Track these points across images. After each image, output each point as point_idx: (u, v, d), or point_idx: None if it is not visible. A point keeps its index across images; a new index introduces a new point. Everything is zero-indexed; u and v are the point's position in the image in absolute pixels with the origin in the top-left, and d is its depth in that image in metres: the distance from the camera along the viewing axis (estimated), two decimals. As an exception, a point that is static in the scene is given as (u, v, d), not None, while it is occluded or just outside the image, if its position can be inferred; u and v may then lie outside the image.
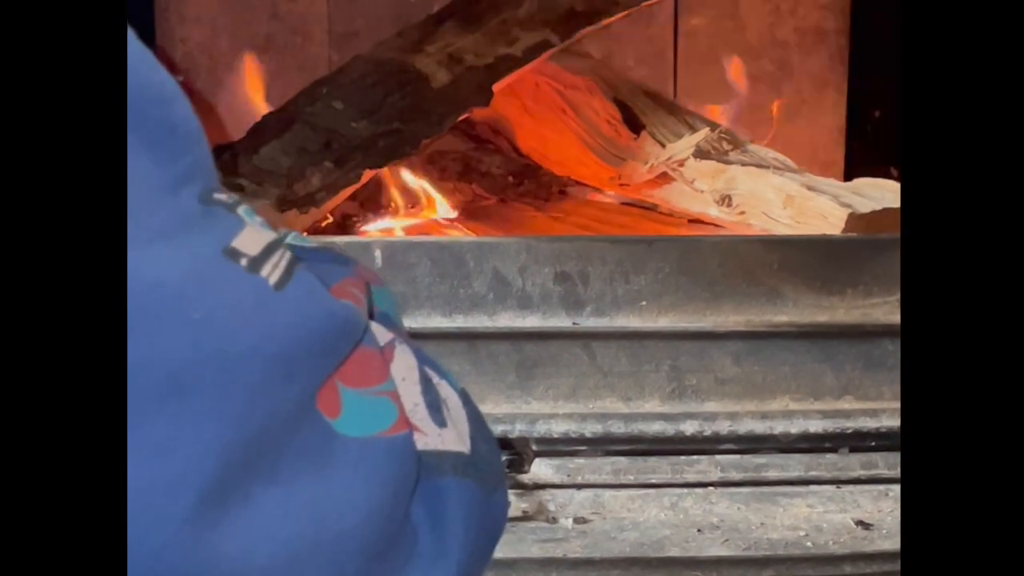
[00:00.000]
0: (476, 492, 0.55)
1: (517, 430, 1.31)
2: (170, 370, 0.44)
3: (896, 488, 1.30)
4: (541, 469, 1.29)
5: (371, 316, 0.57)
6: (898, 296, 1.33)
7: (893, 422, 1.33)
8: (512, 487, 1.27)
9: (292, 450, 0.47)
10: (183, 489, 0.43)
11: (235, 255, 0.47)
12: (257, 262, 0.48)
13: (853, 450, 1.34)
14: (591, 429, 1.32)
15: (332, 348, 0.50)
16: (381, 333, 0.55)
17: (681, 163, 1.73)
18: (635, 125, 1.80)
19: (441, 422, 0.55)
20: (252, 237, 0.48)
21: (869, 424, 1.34)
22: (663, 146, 1.75)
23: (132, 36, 0.48)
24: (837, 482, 1.32)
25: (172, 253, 0.45)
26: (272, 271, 0.48)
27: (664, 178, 1.76)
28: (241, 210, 0.50)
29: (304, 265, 0.50)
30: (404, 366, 0.55)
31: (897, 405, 1.31)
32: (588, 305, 1.35)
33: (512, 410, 1.34)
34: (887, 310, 1.36)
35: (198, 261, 0.46)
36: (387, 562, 0.50)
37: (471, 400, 0.59)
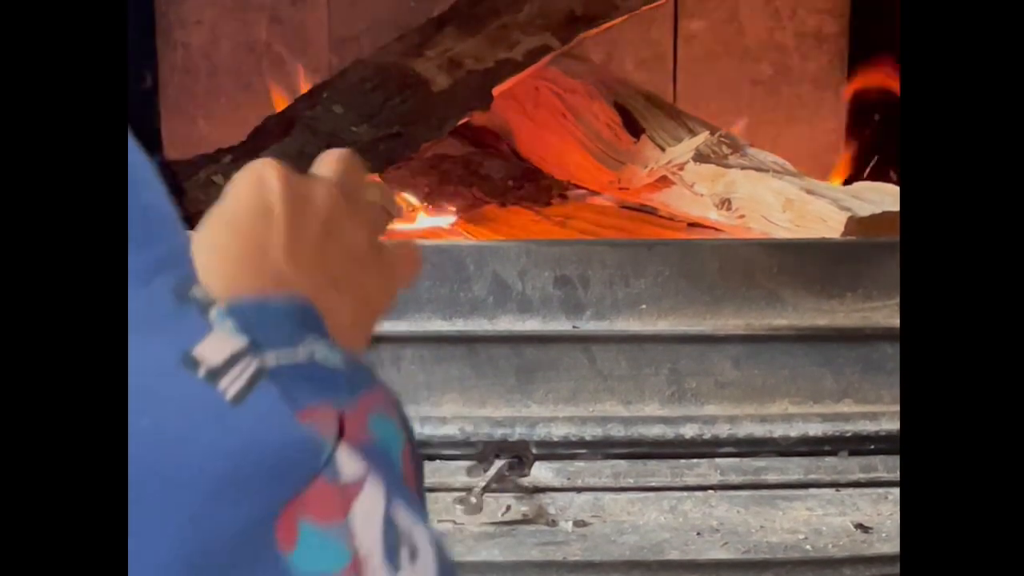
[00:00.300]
0: None
1: (517, 433, 1.31)
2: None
3: (895, 491, 1.30)
4: (541, 472, 1.30)
5: (360, 446, 0.52)
6: (897, 300, 1.33)
7: (892, 425, 1.33)
8: (512, 490, 1.27)
9: None
10: None
11: (194, 364, 0.44)
12: (217, 373, 0.45)
13: (852, 453, 1.34)
14: (591, 432, 1.32)
15: (287, 475, 0.46)
16: (352, 466, 0.50)
17: (681, 167, 1.73)
18: (635, 129, 1.80)
19: (397, 567, 0.51)
20: (217, 345, 0.45)
21: (868, 427, 1.34)
22: (663, 150, 1.76)
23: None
24: (836, 485, 1.32)
25: (135, 349, 0.43)
26: (231, 384, 0.45)
27: (664, 182, 1.77)
28: (214, 312, 0.47)
29: (270, 381, 0.47)
30: (369, 505, 0.50)
31: (896, 408, 1.31)
32: (588, 309, 1.35)
33: (512, 413, 1.34)
34: (886, 314, 1.36)
35: (155, 365, 0.44)
36: None
37: (445, 549, 0.54)
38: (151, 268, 0.45)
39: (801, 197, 1.60)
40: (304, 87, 1.85)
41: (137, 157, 0.46)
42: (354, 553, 0.47)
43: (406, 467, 0.54)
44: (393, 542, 0.50)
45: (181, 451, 0.43)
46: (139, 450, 0.42)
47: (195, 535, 0.43)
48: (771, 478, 1.32)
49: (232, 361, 0.45)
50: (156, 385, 0.43)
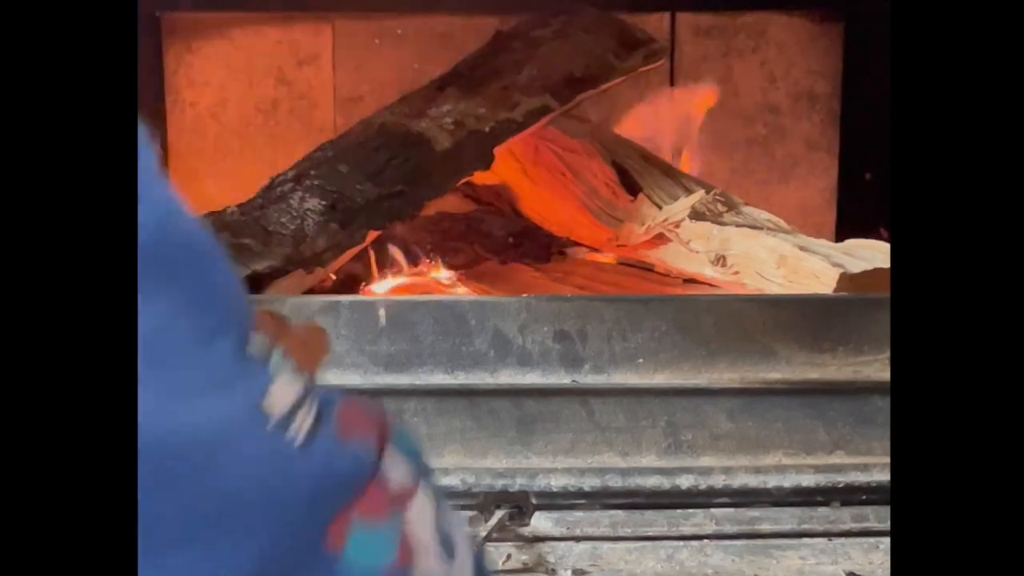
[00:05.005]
0: None
1: (517, 484, 1.32)
2: (192, 520, 0.46)
3: (886, 541, 1.31)
4: (541, 522, 1.30)
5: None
6: (888, 354, 1.34)
7: (883, 477, 1.34)
8: (513, 539, 1.28)
9: None
10: None
11: (264, 417, 0.49)
12: (285, 421, 0.49)
13: (844, 504, 1.35)
14: (590, 483, 1.33)
15: (348, 491, 0.51)
16: (402, 469, 0.56)
17: (677, 224, 1.74)
18: (632, 187, 1.81)
19: (451, 555, 0.56)
20: (282, 392, 0.50)
21: (860, 478, 1.35)
22: (659, 208, 1.77)
23: (173, 193, 0.49)
24: (829, 535, 1.33)
25: (210, 408, 0.47)
26: (299, 429, 0.50)
27: (660, 239, 1.78)
28: (272, 361, 0.51)
29: (327, 415, 0.52)
30: (422, 505, 0.56)
31: (887, 460, 1.31)
32: (586, 363, 1.36)
33: (513, 464, 1.35)
34: (877, 367, 1.38)
35: (230, 424, 0.48)
36: None
37: (483, 555, 0.61)
38: (215, 330, 0.49)
39: (794, 254, 1.61)
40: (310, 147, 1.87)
41: (201, 233, 0.50)
42: (402, 545, 0.53)
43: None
44: (445, 537, 0.56)
45: (258, 495, 0.48)
46: (220, 495, 0.47)
47: (267, 562, 0.48)
48: (765, 528, 1.33)
49: (296, 406, 0.50)
50: (235, 436, 0.48)
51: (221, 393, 0.48)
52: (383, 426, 0.56)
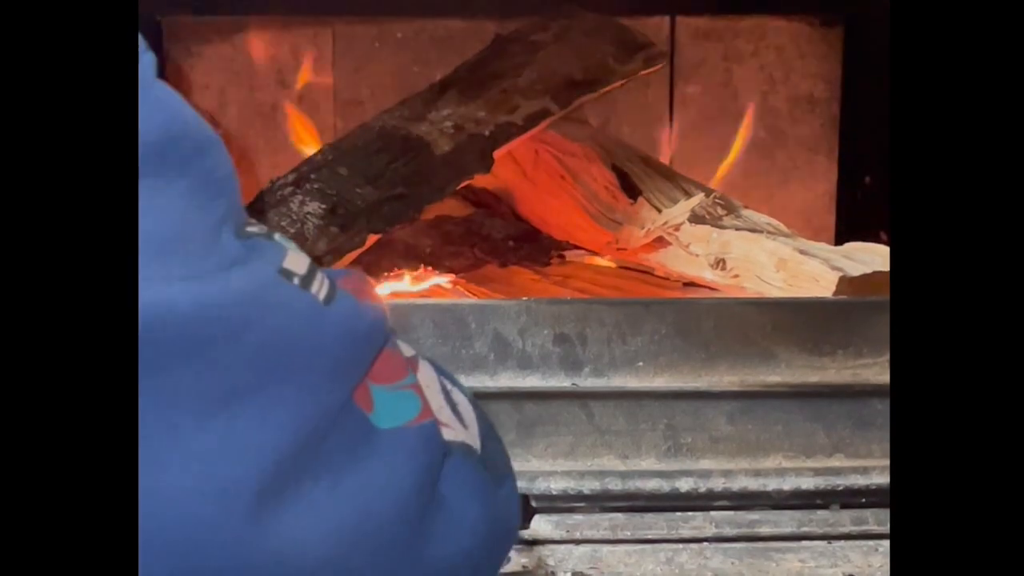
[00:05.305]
0: (487, 481, 0.62)
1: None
2: (233, 381, 0.49)
3: (885, 543, 1.31)
4: (540, 525, 1.31)
5: None
6: (887, 357, 1.35)
7: (883, 479, 1.34)
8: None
9: (337, 446, 0.52)
10: (244, 488, 0.48)
11: (288, 275, 0.52)
12: (307, 280, 0.53)
13: (844, 506, 1.35)
14: (589, 486, 1.34)
15: (370, 351, 0.55)
16: (404, 346, 0.61)
17: (677, 228, 1.74)
18: (632, 191, 1.81)
19: (460, 420, 0.62)
20: (297, 258, 0.54)
21: (859, 481, 1.35)
22: (659, 211, 1.77)
23: (171, 90, 0.52)
24: (828, 537, 1.33)
25: (237, 280, 0.50)
26: (320, 288, 0.53)
27: (660, 242, 1.78)
28: (277, 236, 0.55)
29: (337, 284, 0.55)
30: (427, 376, 0.61)
31: (886, 463, 1.32)
32: (586, 366, 1.36)
33: (512, 467, 1.34)
34: (877, 371, 1.38)
35: (261, 283, 0.51)
36: (422, 536, 0.55)
37: (479, 405, 0.67)
38: (220, 221, 0.52)
39: (794, 257, 1.61)
40: (310, 150, 1.87)
41: (202, 126, 0.53)
42: (423, 400, 0.57)
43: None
44: (452, 403, 0.62)
45: (291, 351, 0.51)
46: (253, 356, 0.50)
47: (306, 418, 0.51)
48: (764, 530, 1.33)
49: (313, 269, 0.54)
50: (266, 299, 0.51)
51: (242, 268, 0.51)
52: (382, 299, 0.61)
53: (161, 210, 0.49)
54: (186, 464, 0.47)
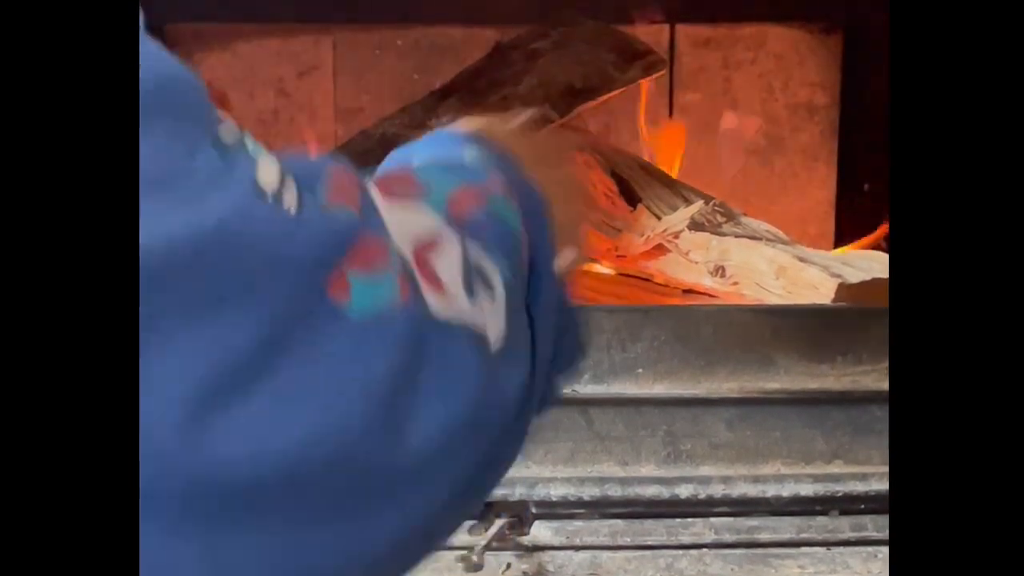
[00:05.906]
0: (482, 365, 0.60)
1: (517, 493, 1.32)
2: (188, 288, 0.48)
3: (884, 550, 1.31)
4: (540, 531, 1.31)
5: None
6: (886, 364, 1.34)
7: (882, 486, 1.34)
8: (512, 549, 1.28)
9: (300, 343, 0.51)
10: (173, 399, 0.47)
11: (261, 194, 0.51)
12: (278, 193, 0.52)
13: (843, 513, 1.35)
14: (589, 492, 1.34)
15: (337, 250, 0.53)
16: (423, 222, 0.60)
17: (676, 235, 1.74)
18: (632, 198, 1.82)
19: (472, 295, 0.60)
20: (268, 168, 0.53)
21: (858, 488, 1.36)
22: (659, 218, 1.77)
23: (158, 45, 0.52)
24: (827, 544, 1.34)
25: (211, 208, 0.49)
26: (290, 200, 0.52)
27: (660, 249, 1.77)
28: (247, 142, 0.54)
29: (311, 186, 0.55)
30: (447, 254, 0.59)
31: (885, 470, 1.32)
32: (586, 372, 1.36)
33: (512, 474, 1.29)
34: (876, 377, 1.38)
35: (234, 209, 0.50)
36: (394, 433, 0.53)
37: (517, 293, 0.66)
38: (197, 139, 0.51)
39: (793, 264, 1.61)
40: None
41: (174, 66, 0.52)
42: (401, 286, 0.55)
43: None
44: (470, 279, 0.60)
45: (264, 263, 0.50)
46: (225, 270, 0.49)
47: (265, 322, 0.50)
48: (764, 537, 1.34)
49: (282, 179, 0.53)
50: (244, 219, 0.50)
51: (214, 191, 0.50)
52: (364, 191, 0.59)
53: (149, 147, 0.49)
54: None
